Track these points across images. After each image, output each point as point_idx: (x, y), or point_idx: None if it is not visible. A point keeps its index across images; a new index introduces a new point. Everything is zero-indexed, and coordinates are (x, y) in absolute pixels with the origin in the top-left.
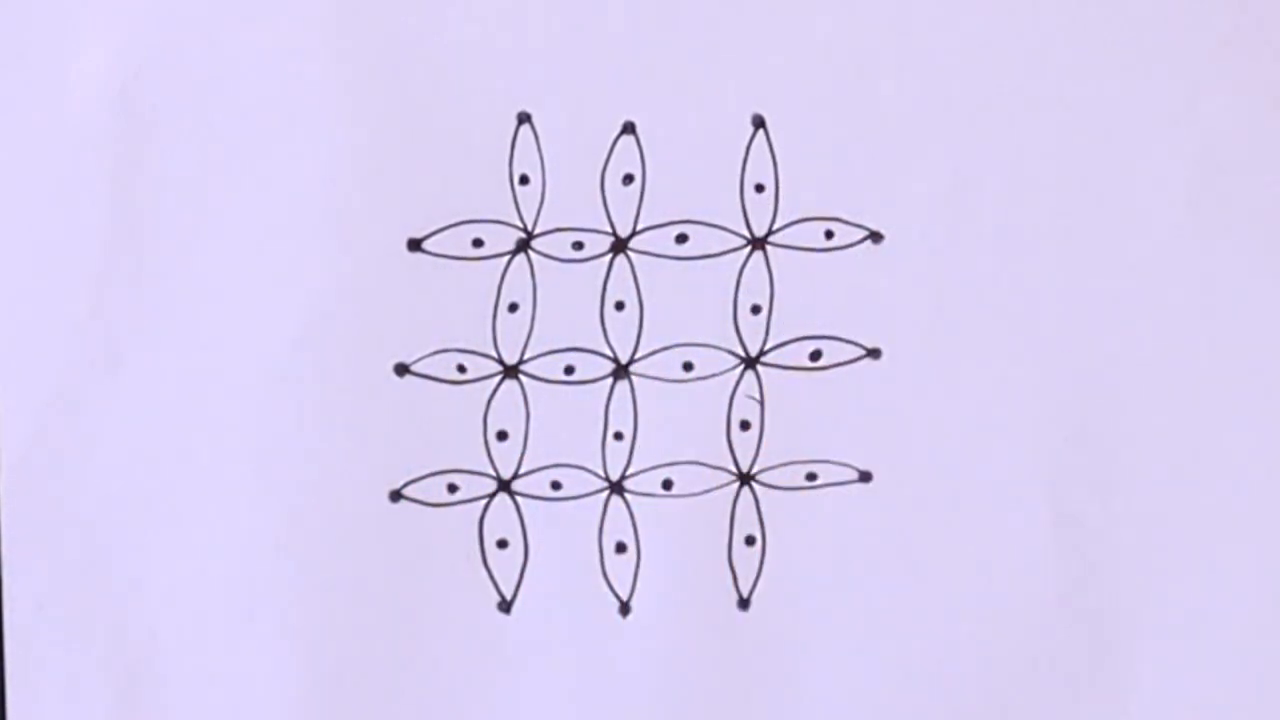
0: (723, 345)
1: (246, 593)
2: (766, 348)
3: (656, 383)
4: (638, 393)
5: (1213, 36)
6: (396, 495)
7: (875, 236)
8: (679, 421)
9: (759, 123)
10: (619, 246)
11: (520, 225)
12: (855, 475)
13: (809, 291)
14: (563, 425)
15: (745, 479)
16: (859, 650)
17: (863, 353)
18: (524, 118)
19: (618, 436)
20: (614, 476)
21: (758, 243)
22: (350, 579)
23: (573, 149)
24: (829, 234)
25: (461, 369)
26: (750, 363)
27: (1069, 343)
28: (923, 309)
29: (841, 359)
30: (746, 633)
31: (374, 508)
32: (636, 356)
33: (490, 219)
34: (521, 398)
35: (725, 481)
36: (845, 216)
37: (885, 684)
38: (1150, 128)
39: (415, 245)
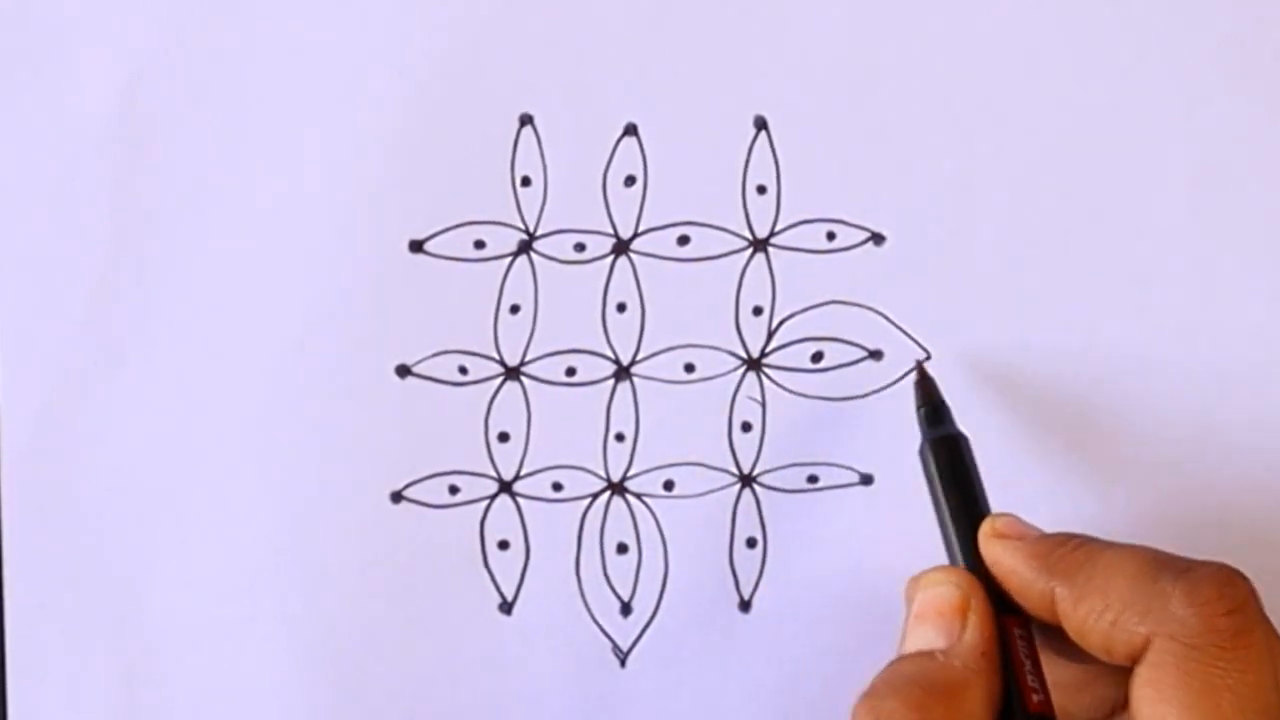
0: (724, 347)
1: (247, 593)
2: (768, 349)
3: (658, 384)
4: (639, 394)
5: (1213, 37)
6: (398, 497)
7: (877, 238)
8: (680, 423)
9: (761, 124)
10: (621, 248)
11: (522, 227)
12: (857, 478)
13: (811, 293)
14: (564, 427)
15: (747, 481)
16: (860, 652)
17: (864, 354)
18: (526, 120)
19: (619, 438)
20: (615, 478)
21: (759, 244)
22: (351, 580)
23: (575, 151)
24: (831, 235)
25: (463, 370)
26: (752, 364)
27: (1069, 344)
28: (924, 311)
29: (843, 361)
30: (747, 635)
31: (375, 509)
32: (638, 358)
33: (492, 220)
34: (523, 399)
35: (727, 483)
36: (847, 218)
37: None
38: (1150, 128)
39: (417, 247)
